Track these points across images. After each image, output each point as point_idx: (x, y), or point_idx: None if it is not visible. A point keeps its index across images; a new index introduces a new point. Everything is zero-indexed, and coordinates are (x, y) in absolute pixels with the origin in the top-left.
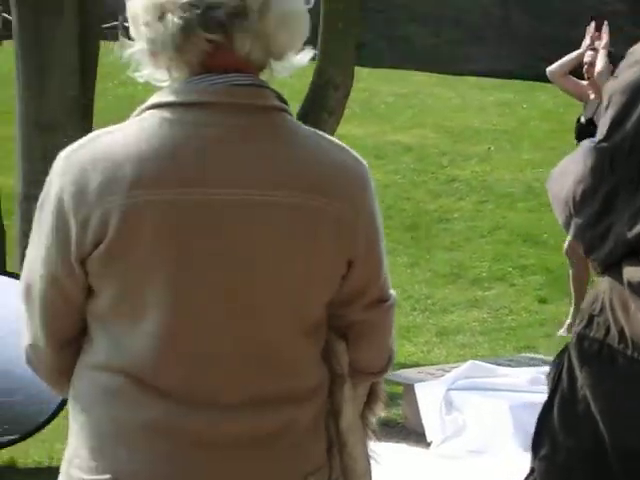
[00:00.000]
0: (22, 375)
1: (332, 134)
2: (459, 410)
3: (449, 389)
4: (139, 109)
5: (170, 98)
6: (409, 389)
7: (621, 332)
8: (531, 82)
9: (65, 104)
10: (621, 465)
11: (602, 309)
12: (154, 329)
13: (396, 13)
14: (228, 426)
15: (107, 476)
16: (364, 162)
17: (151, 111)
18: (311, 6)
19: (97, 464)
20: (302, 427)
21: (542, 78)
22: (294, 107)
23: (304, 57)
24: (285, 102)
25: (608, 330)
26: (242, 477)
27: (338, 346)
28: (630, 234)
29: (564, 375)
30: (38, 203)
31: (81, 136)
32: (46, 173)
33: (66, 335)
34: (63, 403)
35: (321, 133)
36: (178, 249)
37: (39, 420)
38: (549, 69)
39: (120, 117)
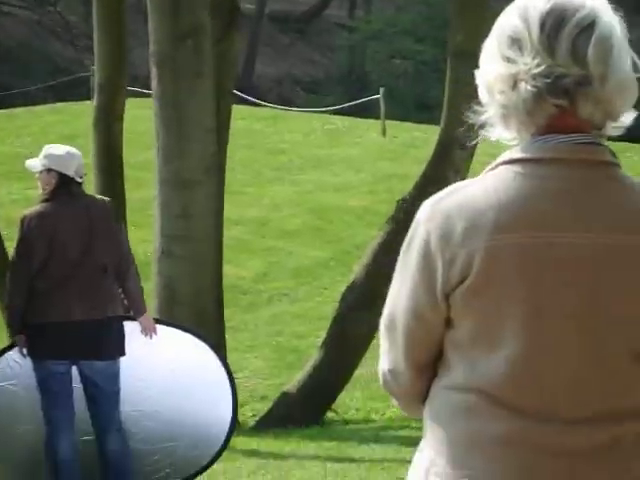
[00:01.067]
0: (184, 422)
1: None
2: None
3: None
4: (493, 164)
5: (521, 155)
6: None
7: None
8: None
9: (204, 162)
10: None
11: None
12: (509, 355)
13: None
14: (574, 438)
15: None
16: None
17: (505, 166)
18: None
19: (454, 472)
20: (630, 442)
21: None
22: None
23: (628, 117)
24: (616, 157)
25: None
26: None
27: None
28: None
29: None
30: (403, 245)
31: (217, 192)
32: (186, 229)
33: (424, 361)
34: (221, 450)
35: None
36: (530, 284)
37: (200, 464)
38: None
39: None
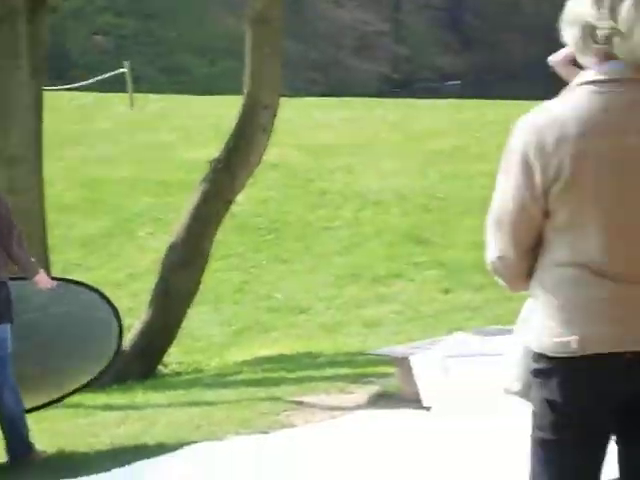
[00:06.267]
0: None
1: (264, 150)
2: (457, 375)
3: (445, 357)
4: (570, 86)
5: (592, 77)
6: (402, 362)
7: None
8: (368, 98)
9: (26, 139)
10: None
11: None
12: (602, 235)
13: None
14: None
15: (574, 337)
16: None
17: (580, 87)
18: None
19: (563, 330)
20: None
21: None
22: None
23: None
24: None
25: None
26: None
27: None
28: None
29: None
30: (505, 156)
31: (39, 167)
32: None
33: (528, 246)
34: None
35: None
36: (615, 178)
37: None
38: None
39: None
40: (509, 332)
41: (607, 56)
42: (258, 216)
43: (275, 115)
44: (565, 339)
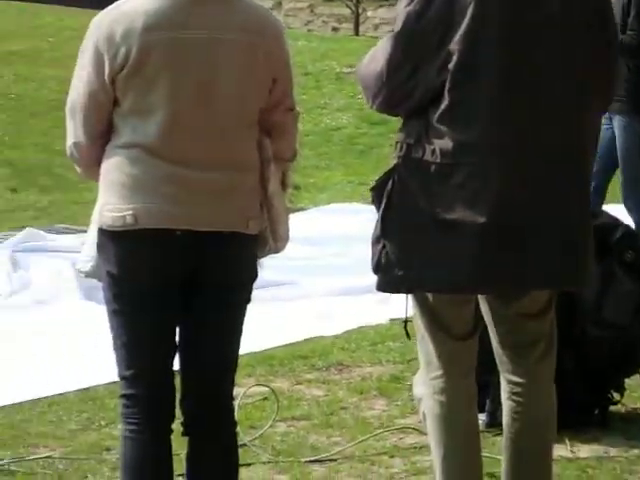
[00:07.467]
0: None
1: None
2: (24, 268)
3: (13, 251)
4: None
5: None
6: None
7: (433, 150)
8: None
9: None
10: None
11: (418, 139)
12: (158, 120)
13: None
14: (207, 179)
15: (130, 212)
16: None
17: None
18: None
19: (122, 207)
20: (247, 187)
21: None
22: None
23: None
24: None
25: (424, 151)
26: (216, 212)
27: (265, 139)
28: (438, 80)
29: (397, 185)
30: (80, 50)
31: None
32: None
33: (98, 131)
34: None
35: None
36: (174, 68)
37: None
38: None
39: None
40: (73, 231)
41: None
42: None
43: None
44: (121, 214)
